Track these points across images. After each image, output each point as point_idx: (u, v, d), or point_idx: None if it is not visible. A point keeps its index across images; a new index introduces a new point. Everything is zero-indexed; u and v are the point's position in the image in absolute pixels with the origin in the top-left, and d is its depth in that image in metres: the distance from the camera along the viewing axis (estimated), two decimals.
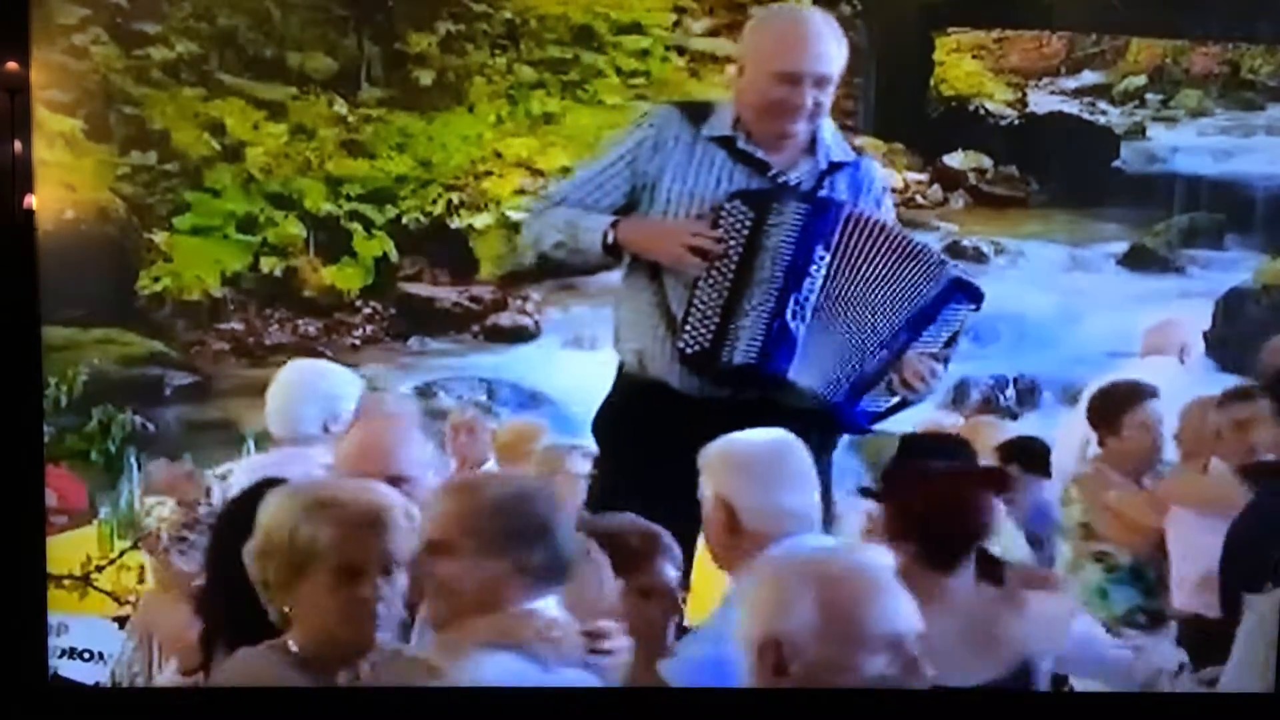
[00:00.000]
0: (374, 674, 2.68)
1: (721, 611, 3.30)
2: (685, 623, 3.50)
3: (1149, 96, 9.03)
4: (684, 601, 3.50)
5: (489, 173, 8.39)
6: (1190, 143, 8.85)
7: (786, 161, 4.06)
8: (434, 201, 8.34)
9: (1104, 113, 9.02)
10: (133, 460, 7.27)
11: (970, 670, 3.20)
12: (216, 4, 8.21)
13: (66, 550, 6.04)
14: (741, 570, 3.28)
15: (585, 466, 4.91)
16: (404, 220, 8.30)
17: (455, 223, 8.32)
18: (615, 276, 4.14)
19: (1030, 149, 8.87)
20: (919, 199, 8.73)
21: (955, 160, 8.86)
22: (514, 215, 8.10)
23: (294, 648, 2.69)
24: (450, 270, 8.35)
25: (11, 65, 3.81)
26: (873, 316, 3.93)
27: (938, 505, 3.38)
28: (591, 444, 4.38)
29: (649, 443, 3.89)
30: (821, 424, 3.93)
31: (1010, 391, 8.18)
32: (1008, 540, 4.44)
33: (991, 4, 8.96)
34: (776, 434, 3.51)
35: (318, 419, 4.55)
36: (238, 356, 8.10)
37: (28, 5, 3.94)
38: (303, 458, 4.25)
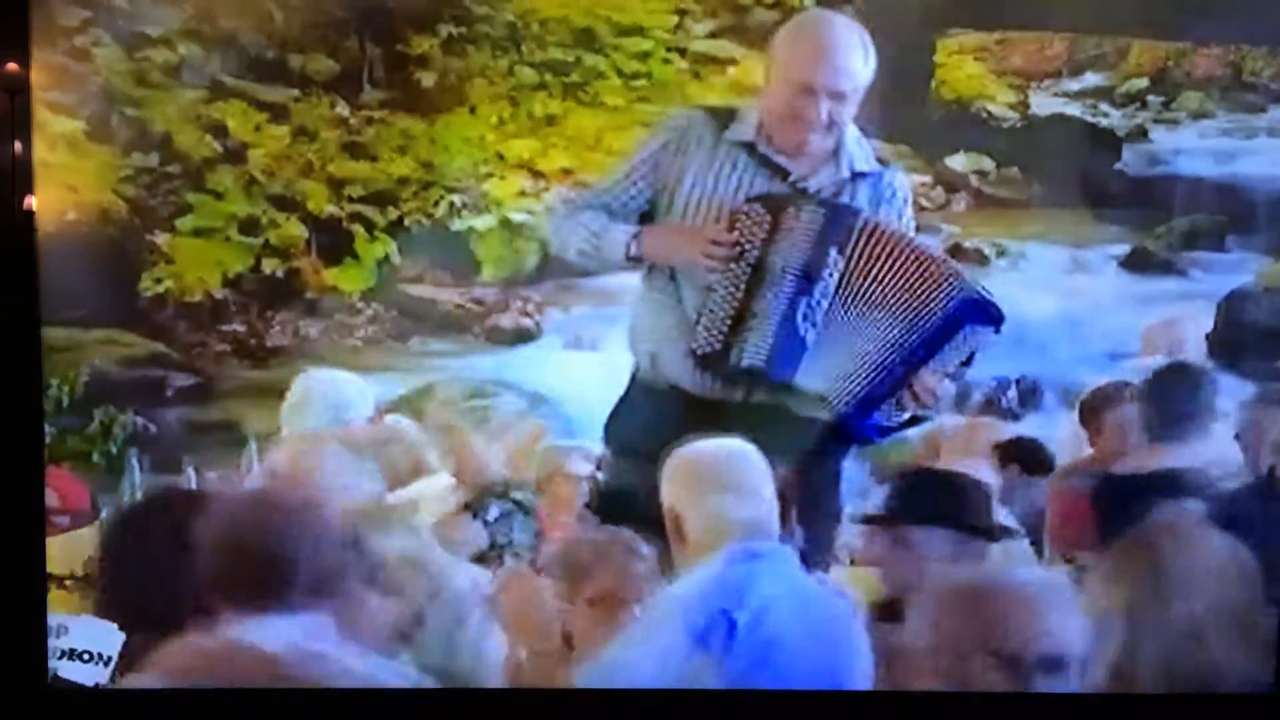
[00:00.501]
0: None
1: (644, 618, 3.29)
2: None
3: (1151, 99, 9.01)
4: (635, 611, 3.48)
5: (491, 174, 8.39)
6: (1192, 145, 8.83)
7: (808, 169, 4.06)
8: (436, 204, 8.34)
9: (1106, 115, 9.00)
10: (134, 461, 7.27)
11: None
12: (218, 5, 8.20)
13: (67, 551, 6.03)
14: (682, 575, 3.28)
15: (586, 467, 4.92)
16: (405, 222, 8.31)
17: (456, 224, 8.32)
18: (618, 278, 4.15)
19: (1032, 151, 8.86)
20: (922, 201, 8.71)
21: (957, 162, 8.85)
22: (516, 217, 8.11)
23: None
24: (451, 272, 8.35)
25: (12, 66, 3.81)
26: (885, 327, 3.91)
27: None
28: (591, 445, 4.38)
29: (660, 445, 3.90)
30: (832, 434, 3.94)
31: (1012, 393, 8.17)
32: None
33: (992, 5, 8.94)
34: (730, 443, 3.48)
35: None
36: (239, 358, 8.08)
37: (28, 6, 3.94)
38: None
